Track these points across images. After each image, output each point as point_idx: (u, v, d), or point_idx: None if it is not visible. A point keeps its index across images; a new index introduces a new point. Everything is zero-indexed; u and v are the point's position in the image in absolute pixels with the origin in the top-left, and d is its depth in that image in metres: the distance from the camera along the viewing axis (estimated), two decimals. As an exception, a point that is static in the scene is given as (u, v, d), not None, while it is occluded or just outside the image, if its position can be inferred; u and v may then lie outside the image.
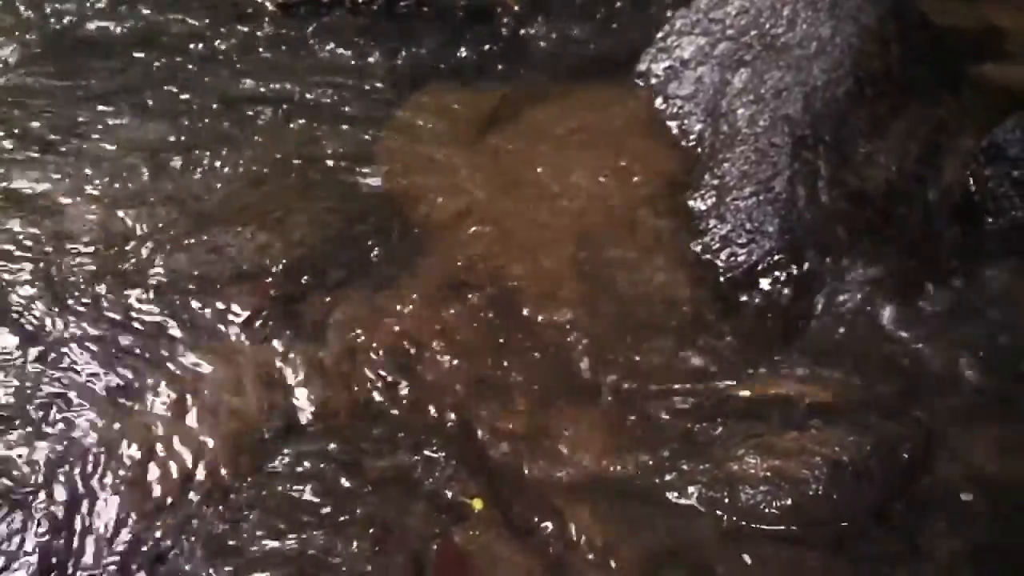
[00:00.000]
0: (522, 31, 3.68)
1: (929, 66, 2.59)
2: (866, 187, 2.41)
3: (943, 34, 2.84)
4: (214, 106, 3.14)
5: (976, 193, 2.33)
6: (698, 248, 2.49)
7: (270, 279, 2.36)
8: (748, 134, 2.64)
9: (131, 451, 1.87)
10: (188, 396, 1.99)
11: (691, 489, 1.77)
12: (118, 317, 2.21)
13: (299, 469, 1.77)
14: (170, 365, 2.08)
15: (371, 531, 1.65)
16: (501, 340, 2.19)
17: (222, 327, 2.19)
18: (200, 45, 3.54)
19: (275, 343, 2.15)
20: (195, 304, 2.25)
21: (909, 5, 2.69)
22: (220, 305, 2.25)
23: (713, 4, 3.08)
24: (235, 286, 2.30)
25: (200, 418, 1.94)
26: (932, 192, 2.38)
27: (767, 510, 1.72)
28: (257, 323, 2.21)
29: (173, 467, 1.83)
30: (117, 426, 1.93)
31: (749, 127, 2.65)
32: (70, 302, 2.24)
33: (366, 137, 3.04)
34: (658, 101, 3.02)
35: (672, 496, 1.78)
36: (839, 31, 2.62)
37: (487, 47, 3.59)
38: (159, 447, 1.87)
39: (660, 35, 3.19)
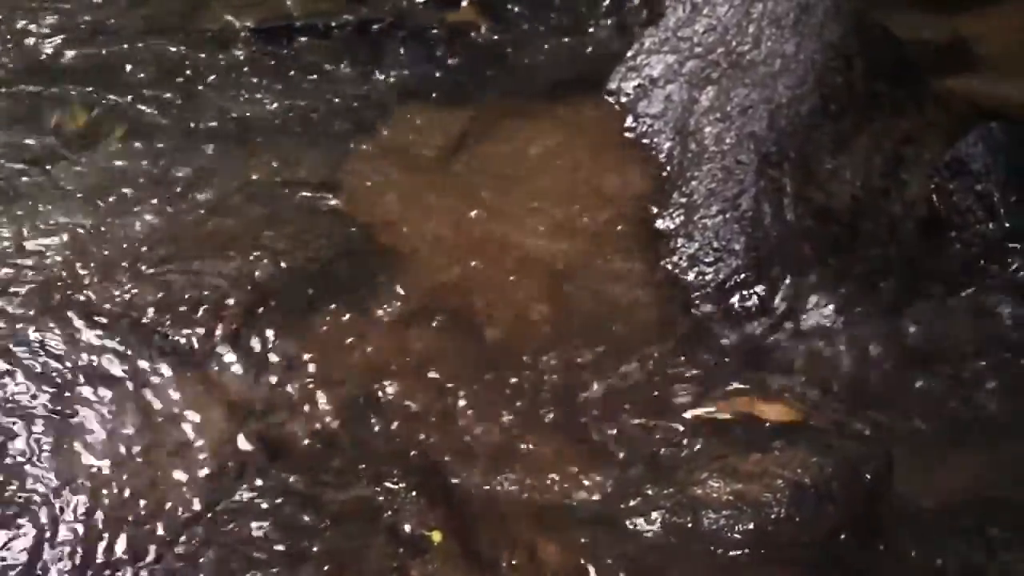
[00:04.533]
0: (494, 50, 3.70)
1: (893, 80, 2.59)
2: (832, 203, 2.42)
3: (909, 47, 2.86)
4: (184, 133, 3.14)
5: (941, 207, 2.33)
6: (667, 267, 2.49)
7: (233, 309, 2.35)
8: (715, 152, 2.64)
9: (75, 490, 1.85)
10: (141, 430, 1.97)
11: (655, 515, 1.76)
12: (72, 347, 2.19)
13: (257, 505, 1.75)
14: (125, 398, 2.06)
15: (326, 568, 1.63)
16: (468, 366, 2.18)
17: (182, 358, 2.17)
18: (173, 72, 3.54)
19: (238, 373, 2.14)
20: (154, 335, 2.24)
21: (873, 21, 2.70)
22: (181, 336, 2.23)
23: (682, 22, 3.09)
24: (197, 316, 2.28)
25: (154, 453, 1.92)
26: (898, 207, 2.39)
27: (730, 535, 1.71)
28: (219, 354, 2.19)
29: (122, 507, 1.80)
30: (61, 461, 1.91)
31: (716, 145, 2.66)
32: (27, 333, 2.23)
33: (336, 162, 3.04)
34: (628, 119, 3.03)
35: (637, 523, 1.77)
36: (803, 48, 2.63)
37: (459, 67, 3.60)
38: (106, 486, 1.84)
39: (630, 53, 3.21)
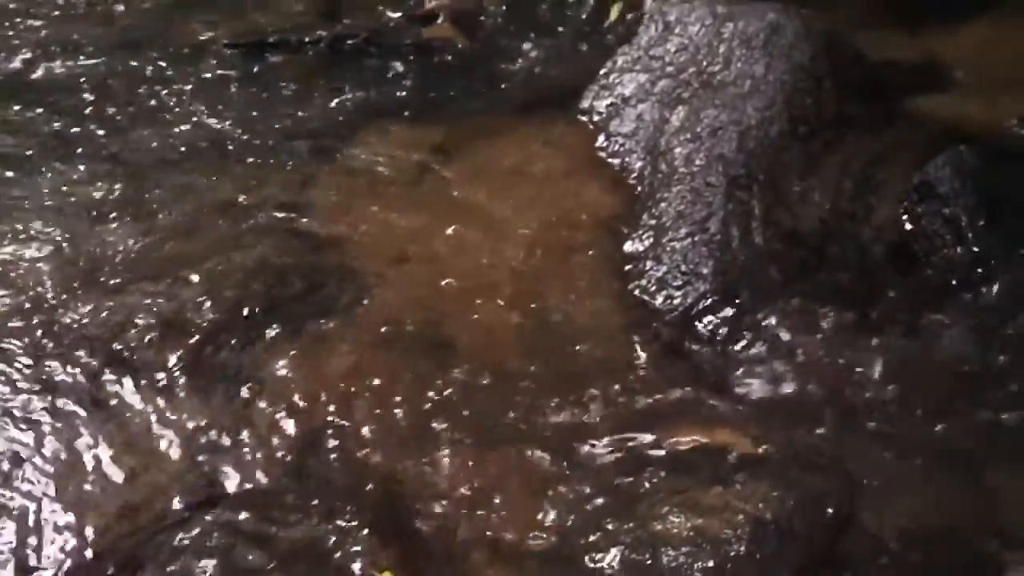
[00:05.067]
0: (469, 67, 3.68)
1: (863, 101, 2.58)
2: (800, 226, 2.40)
3: (880, 68, 2.85)
4: (151, 152, 3.11)
5: (910, 231, 2.31)
6: (635, 291, 2.47)
7: (192, 333, 2.31)
8: (685, 173, 2.62)
9: (11, 517, 1.80)
10: (87, 458, 1.93)
11: (614, 551, 1.72)
12: (26, 368, 2.15)
13: (203, 543, 1.70)
14: (72, 424, 2.02)
15: (272, 612, 1.60)
16: (433, 394, 2.15)
17: (137, 384, 2.14)
18: (145, 89, 3.51)
19: (193, 401, 2.10)
20: (110, 358, 2.20)
21: (843, 41, 2.69)
22: (136, 361, 2.20)
23: (654, 41, 3.08)
24: (155, 340, 2.25)
25: (98, 484, 1.87)
26: (866, 230, 2.37)
27: (689, 572, 1.68)
28: (175, 380, 2.15)
29: (58, 541, 1.76)
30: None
31: (686, 166, 2.64)
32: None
33: (306, 180, 3.01)
34: (600, 138, 3.01)
35: (596, 559, 1.73)
36: (772, 69, 2.62)
37: (432, 84, 3.58)
38: (42, 516, 1.80)
39: (603, 71, 3.19)
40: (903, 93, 2.70)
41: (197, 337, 2.33)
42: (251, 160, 3.12)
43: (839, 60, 2.61)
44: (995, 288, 2.19)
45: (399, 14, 4.08)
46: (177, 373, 2.18)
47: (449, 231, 2.75)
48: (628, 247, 2.59)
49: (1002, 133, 2.60)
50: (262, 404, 2.10)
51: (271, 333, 2.37)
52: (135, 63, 3.68)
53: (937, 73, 2.96)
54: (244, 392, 2.14)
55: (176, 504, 1.80)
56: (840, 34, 2.77)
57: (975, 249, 2.22)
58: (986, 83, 2.90)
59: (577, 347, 2.31)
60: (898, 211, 2.35)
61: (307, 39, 3.81)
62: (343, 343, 2.35)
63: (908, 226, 2.32)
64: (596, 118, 3.08)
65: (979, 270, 2.22)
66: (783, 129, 2.51)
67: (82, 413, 2.06)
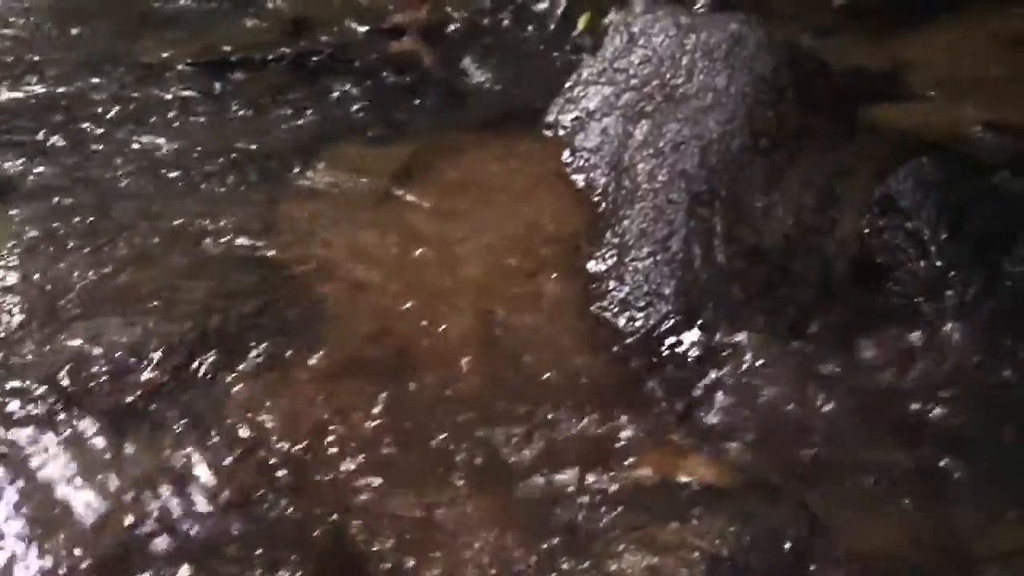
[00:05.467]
0: (436, 82, 3.63)
1: (826, 112, 2.53)
2: (763, 243, 2.35)
3: (845, 76, 2.81)
4: (109, 176, 3.05)
5: (873, 245, 2.27)
6: (598, 312, 2.43)
7: (151, 369, 2.27)
8: (648, 190, 2.58)
9: None
10: (27, 501, 1.87)
11: (569, 592, 1.69)
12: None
13: (141, 600, 1.67)
14: (16, 465, 1.97)
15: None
16: (388, 428, 2.10)
17: (86, 423, 2.08)
18: (105, 111, 3.46)
19: (142, 440, 2.05)
20: (60, 396, 2.15)
21: (806, 52, 2.64)
22: (87, 399, 2.14)
23: (619, 52, 3.03)
24: (107, 377, 2.20)
25: (34, 530, 1.80)
26: (830, 245, 2.33)
27: (644, 613, 1.65)
28: (124, 418, 2.10)
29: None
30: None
31: (649, 182, 2.59)
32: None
33: (267, 202, 2.96)
34: (566, 154, 2.97)
35: (551, 601, 1.70)
36: (734, 81, 2.57)
37: (398, 101, 3.52)
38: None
39: (568, 84, 3.14)
40: (867, 102, 2.66)
41: (151, 373, 2.28)
42: (211, 183, 3.07)
43: (802, 71, 2.57)
44: (959, 303, 2.15)
45: (366, 28, 4.05)
46: (128, 412, 2.13)
47: (411, 254, 2.70)
48: (592, 266, 2.55)
49: (966, 141, 2.56)
50: (214, 444, 2.04)
51: (227, 367, 2.31)
52: (96, 84, 3.62)
53: (902, 80, 2.92)
54: (196, 431, 2.09)
55: (110, 556, 1.74)
56: (803, 45, 2.74)
57: (938, 263, 2.18)
58: (951, 89, 2.86)
59: (538, 375, 2.26)
60: (861, 225, 2.31)
61: (270, 56, 3.75)
62: (300, 376, 2.30)
63: (872, 240, 2.28)
64: (562, 133, 3.04)
65: (944, 284, 2.18)
66: (745, 143, 2.47)
67: (27, 452, 2.01)
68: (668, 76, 2.79)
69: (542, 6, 3.96)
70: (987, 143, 2.56)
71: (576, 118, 3.01)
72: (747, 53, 2.60)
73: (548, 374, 2.24)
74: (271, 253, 2.73)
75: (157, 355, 2.34)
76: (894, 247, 2.23)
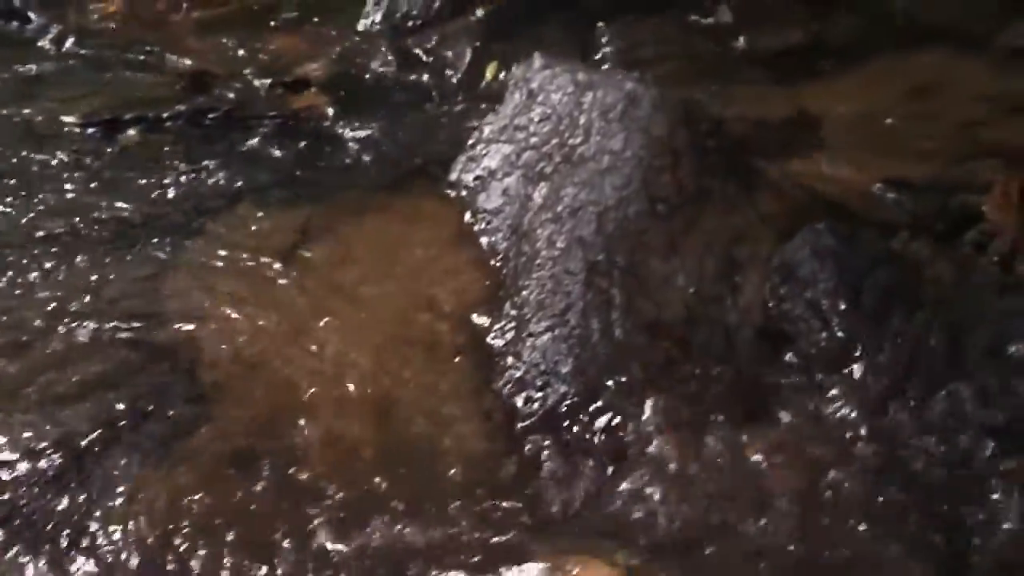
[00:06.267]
0: (337, 139, 3.50)
1: (725, 173, 2.45)
2: (663, 315, 2.26)
3: (747, 130, 2.76)
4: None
5: (775, 315, 2.19)
6: (498, 391, 2.30)
7: (12, 480, 2.10)
8: (546, 257, 2.47)
9: None
10: None
11: None
12: None
13: None
14: None
15: None
16: (276, 527, 1.97)
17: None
18: (-9, 175, 3.27)
19: (16, 563, 1.89)
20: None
21: (702, 110, 2.57)
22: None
23: (519, 109, 2.93)
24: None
25: None
26: (733, 315, 2.24)
27: None
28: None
29: None
30: None
31: (548, 249, 2.49)
32: None
33: (156, 274, 2.79)
34: (468, 215, 2.86)
35: None
36: (630, 143, 2.49)
37: (299, 159, 3.38)
38: None
39: (471, 142, 3.04)
40: (769, 158, 2.59)
41: (17, 482, 2.12)
42: (97, 253, 2.88)
43: (697, 131, 2.48)
44: (861, 373, 2.08)
45: (268, 80, 3.91)
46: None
47: (306, 326, 2.56)
48: (491, 340, 2.43)
49: (865, 198, 2.51)
50: (87, 563, 1.89)
51: (101, 468, 2.16)
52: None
53: (806, 133, 2.88)
54: (64, 546, 1.94)
55: None
56: (701, 101, 2.67)
57: (839, 334, 2.10)
58: (855, 142, 2.82)
59: (433, 461, 2.13)
60: (764, 293, 2.23)
61: (165, 114, 3.60)
62: (182, 472, 2.14)
63: (774, 310, 2.20)
64: (464, 192, 2.93)
65: (846, 355, 2.10)
66: (642, 209, 2.38)
67: None
68: (567, 135, 2.70)
69: (449, 55, 3.88)
70: (886, 201, 2.51)
71: (478, 177, 2.91)
72: (643, 113, 2.52)
73: (441, 467, 2.10)
74: (157, 334, 2.56)
75: (25, 460, 2.16)
76: (795, 317, 2.15)
